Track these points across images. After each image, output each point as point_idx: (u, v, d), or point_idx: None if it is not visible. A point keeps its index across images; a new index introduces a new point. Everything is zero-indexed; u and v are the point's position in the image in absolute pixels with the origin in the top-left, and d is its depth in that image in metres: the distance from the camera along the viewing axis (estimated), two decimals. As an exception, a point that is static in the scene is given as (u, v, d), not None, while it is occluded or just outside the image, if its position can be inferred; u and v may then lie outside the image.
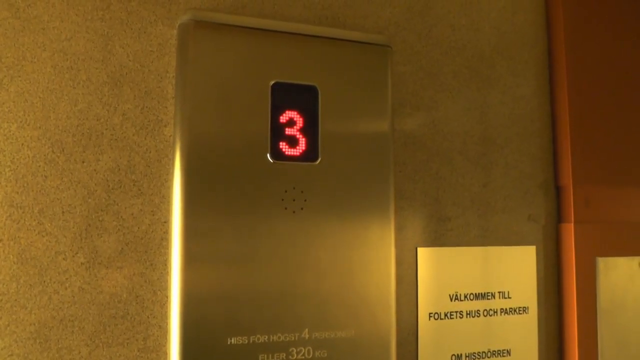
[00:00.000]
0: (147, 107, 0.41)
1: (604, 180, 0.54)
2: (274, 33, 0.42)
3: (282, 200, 0.41)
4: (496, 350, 0.49)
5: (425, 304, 0.47)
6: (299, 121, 0.42)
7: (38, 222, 0.38)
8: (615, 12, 0.57)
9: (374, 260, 0.43)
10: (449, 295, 0.48)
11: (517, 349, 0.50)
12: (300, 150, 0.42)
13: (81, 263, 0.38)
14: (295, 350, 0.40)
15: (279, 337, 0.40)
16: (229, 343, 0.38)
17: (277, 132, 0.41)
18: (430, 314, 0.47)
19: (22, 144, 0.38)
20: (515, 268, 0.51)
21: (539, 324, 0.51)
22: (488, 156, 0.51)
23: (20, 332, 0.37)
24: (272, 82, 0.41)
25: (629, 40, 0.57)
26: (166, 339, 0.39)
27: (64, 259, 0.38)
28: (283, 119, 0.42)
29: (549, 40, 0.56)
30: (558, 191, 0.54)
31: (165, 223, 0.40)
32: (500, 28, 0.53)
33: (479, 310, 0.49)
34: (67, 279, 0.38)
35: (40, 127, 0.38)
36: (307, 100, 0.42)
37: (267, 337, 0.39)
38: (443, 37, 0.51)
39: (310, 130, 0.42)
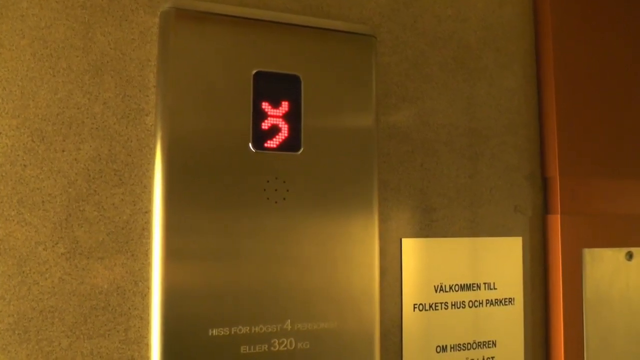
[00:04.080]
0: (128, 95, 0.40)
1: (590, 172, 0.54)
2: (256, 22, 0.42)
3: (264, 190, 0.40)
4: (482, 341, 0.49)
5: (409, 295, 0.47)
6: (282, 111, 0.42)
7: (17, 212, 0.37)
8: (602, 4, 0.57)
9: (358, 251, 0.43)
10: (434, 287, 0.48)
11: (503, 340, 0.50)
12: (283, 140, 0.41)
13: (61, 253, 0.38)
14: (277, 342, 0.40)
15: (261, 329, 0.39)
16: (210, 334, 0.38)
17: (259, 121, 0.41)
18: (414, 305, 0.47)
19: (1, 133, 0.37)
20: (501, 259, 0.51)
21: (525, 315, 0.51)
22: (474, 148, 0.51)
23: (-1, 322, 0.36)
24: (254, 71, 0.41)
25: (616, 33, 0.57)
26: (147, 330, 0.39)
27: (44, 249, 0.38)
28: (265, 108, 0.41)
29: (536, 32, 0.55)
30: (545, 183, 0.54)
31: (147, 213, 0.40)
32: (487, 19, 0.53)
33: (465, 302, 0.49)
34: (47, 269, 0.37)
35: (19, 116, 0.38)
36: (289, 89, 0.42)
37: (248, 328, 0.39)
38: (429, 28, 0.51)
39: (292, 119, 0.42)
